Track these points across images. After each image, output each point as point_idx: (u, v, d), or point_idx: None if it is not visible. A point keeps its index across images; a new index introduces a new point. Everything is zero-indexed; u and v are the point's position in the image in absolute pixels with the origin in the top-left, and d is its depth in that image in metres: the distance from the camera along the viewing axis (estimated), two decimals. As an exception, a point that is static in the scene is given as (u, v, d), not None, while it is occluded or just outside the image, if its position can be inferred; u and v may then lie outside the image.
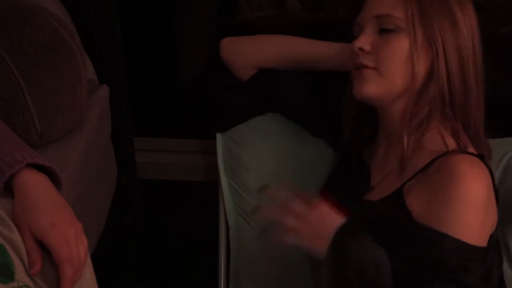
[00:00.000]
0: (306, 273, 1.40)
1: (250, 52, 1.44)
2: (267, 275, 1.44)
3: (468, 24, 1.18)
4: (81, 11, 1.79)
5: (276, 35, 1.46)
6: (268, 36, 1.47)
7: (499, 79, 1.47)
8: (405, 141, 1.18)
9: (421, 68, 1.16)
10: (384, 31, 1.17)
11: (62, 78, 1.55)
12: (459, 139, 1.18)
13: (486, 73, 1.23)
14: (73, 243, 0.97)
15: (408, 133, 1.18)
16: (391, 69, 1.17)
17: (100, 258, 1.32)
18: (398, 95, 1.19)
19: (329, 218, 1.09)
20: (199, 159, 2.19)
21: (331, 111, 1.37)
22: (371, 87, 1.18)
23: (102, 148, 1.80)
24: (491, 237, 1.13)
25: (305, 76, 1.43)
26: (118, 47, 1.91)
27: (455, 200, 1.07)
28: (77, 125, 1.62)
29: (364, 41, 1.18)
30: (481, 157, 1.17)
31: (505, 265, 1.27)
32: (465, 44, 1.18)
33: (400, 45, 1.16)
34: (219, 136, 1.52)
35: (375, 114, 1.28)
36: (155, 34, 2.25)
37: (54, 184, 1.04)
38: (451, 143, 1.17)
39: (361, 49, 1.18)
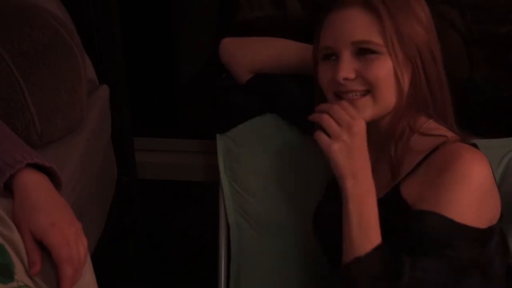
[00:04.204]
0: (306, 274, 1.40)
1: (249, 57, 1.45)
2: (267, 275, 1.44)
3: (432, 24, 1.20)
4: (81, 11, 1.79)
5: (276, 39, 1.46)
6: (267, 40, 1.46)
7: (499, 79, 1.47)
8: (392, 151, 1.19)
9: (406, 83, 1.17)
10: (364, 55, 1.15)
11: (62, 78, 1.55)
12: (445, 132, 1.19)
13: (486, 73, 1.23)
14: (73, 243, 0.97)
15: (394, 142, 1.19)
16: (383, 90, 1.16)
17: (100, 258, 1.32)
18: (388, 112, 1.20)
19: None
20: (199, 159, 2.19)
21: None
22: (366, 114, 1.17)
23: (102, 148, 1.80)
24: (494, 227, 1.13)
25: (302, 79, 1.43)
26: (118, 47, 1.91)
27: (451, 177, 1.08)
28: (77, 125, 1.62)
29: (347, 70, 1.16)
30: (475, 146, 1.17)
31: (505, 265, 1.27)
32: (435, 46, 1.19)
33: (385, 67, 1.15)
34: (219, 137, 1.53)
35: None
36: (155, 34, 2.25)
37: (54, 184, 1.04)
38: (439, 138, 1.18)
39: (346, 79, 1.16)
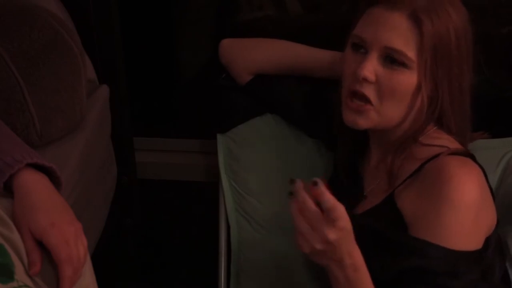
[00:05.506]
0: (306, 273, 1.40)
1: (248, 58, 1.45)
2: (267, 276, 1.44)
3: (470, 56, 1.17)
4: (81, 11, 1.79)
5: (275, 41, 1.46)
6: (266, 42, 1.46)
7: (499, 79, 1.47)
8: (389, 160, 1.19)
9: (425, 99, 1.14)
10: (391, 64, 1.12)
11: (62, 78, 1.55)
12: (444, 143, 1.18)
13: (487, 73, 1.23)
14: (72, 243, 0.97)
15: (394, 152, 1.19)
16: (391, 105, 1.14)
17: (100, 258, 1.32)
18: (396, 124, 1.18)
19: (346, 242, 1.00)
20: (199, 159, 2.18)
21: (327, 114, 1.37)
22: (366, 122, 1.16)
23: (102, 148, 1.80)
24: (490, 237, 1.13)
25: (301, 80, 1.43)
26: (118, 47, 1.90)
27: (445, 204, 1.06)
28: (77, 125, 1.62)
29: (369, 71, 1.12)
30: (471, 156, 1.16)
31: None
32: (466, 82, 1.17)
33: (408, 83, 1.12)
34: (219, 137, 1.53)
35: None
36: (155, 34, 2.25)
37: (54, 184, 1.04)
38: (440, 148, 1.17)
39: (365, 79, 1.13)
